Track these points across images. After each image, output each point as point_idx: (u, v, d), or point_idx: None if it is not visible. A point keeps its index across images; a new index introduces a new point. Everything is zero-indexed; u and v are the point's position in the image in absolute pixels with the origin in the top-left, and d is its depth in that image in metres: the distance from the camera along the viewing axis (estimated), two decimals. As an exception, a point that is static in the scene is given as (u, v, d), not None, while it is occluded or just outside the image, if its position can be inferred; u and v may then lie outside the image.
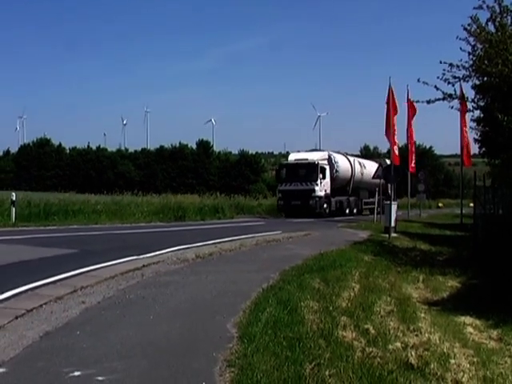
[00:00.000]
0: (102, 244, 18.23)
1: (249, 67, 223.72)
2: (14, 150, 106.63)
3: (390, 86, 30.15)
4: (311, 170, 38.80)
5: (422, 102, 17.32)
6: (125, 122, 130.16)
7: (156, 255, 14.52)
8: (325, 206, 38.97)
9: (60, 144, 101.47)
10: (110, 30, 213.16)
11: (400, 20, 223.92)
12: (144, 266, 12.68)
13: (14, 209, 25.91)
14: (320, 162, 39.04)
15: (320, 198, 38.51)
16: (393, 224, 23.04)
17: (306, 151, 43.07)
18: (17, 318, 7.66)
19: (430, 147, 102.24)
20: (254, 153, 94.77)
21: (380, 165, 45.33)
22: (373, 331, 7.55)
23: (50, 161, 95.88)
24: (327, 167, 39.45)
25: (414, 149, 40.33)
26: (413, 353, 6.75)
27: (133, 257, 13.97)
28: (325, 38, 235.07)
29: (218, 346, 6.54)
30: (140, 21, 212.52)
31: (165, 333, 7.16)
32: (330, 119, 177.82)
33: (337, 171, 40.64)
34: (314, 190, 38.19)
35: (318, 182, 38.40)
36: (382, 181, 43.53)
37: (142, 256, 14.15)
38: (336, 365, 5.97)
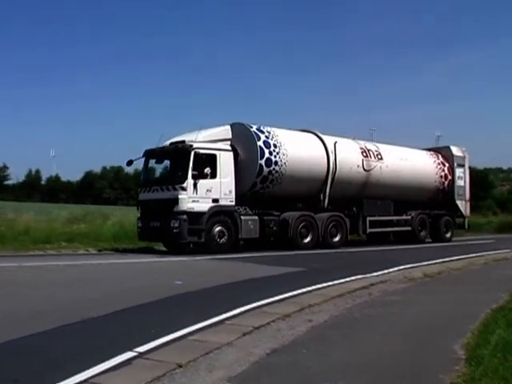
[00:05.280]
0: (328, 262, 18.47)
1: (470, 81, 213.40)
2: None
3: None
4: (179, 163, 21.51)
5: None
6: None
7: (383, 274, 14.38)
8: (216, 230, 20.97)
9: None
10: (328, 50, 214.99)
11: None
12: (371, 284, 12.56)
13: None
14: (201, 145, 21.17)
15: (194, 215, 20.45)
16: None
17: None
18: (244, 334, 7.81)
19: None
20: (481, 169, 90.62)
21: (443, 156, 30.51)
22: None
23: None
24: (221, 154, 21.57)
25: None
26: None
27: (360, 275, 13.87)
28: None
29: (444, 367, 6.18)
30: (359, 38, 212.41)
31: (390, 353, 6.94)
32: None
33: (275, 163, 22.67)
34: (176, 201, 20.49)
35: (188, 183, 20.44)
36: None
37: (369, 275, 14.04)
38: None
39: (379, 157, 26.79)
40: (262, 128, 23.16)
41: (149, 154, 22.67)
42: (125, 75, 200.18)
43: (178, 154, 21.36)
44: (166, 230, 20.49)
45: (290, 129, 25.39)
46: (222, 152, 21.59)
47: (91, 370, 5.91)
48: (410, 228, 27.83)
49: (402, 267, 15.64)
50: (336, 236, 24.61)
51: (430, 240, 28.93)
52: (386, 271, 14.84)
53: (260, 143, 22.43)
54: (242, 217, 21.82)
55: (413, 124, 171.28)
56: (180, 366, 6.17)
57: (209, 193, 20.91)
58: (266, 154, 22.44)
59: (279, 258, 19.28)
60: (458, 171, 30.49)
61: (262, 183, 22.66)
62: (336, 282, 12.84)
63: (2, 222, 24.52)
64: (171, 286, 12.32)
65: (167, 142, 22.63)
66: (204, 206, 20.69)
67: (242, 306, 9.67)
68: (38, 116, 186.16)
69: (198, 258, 19.05)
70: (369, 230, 26.31)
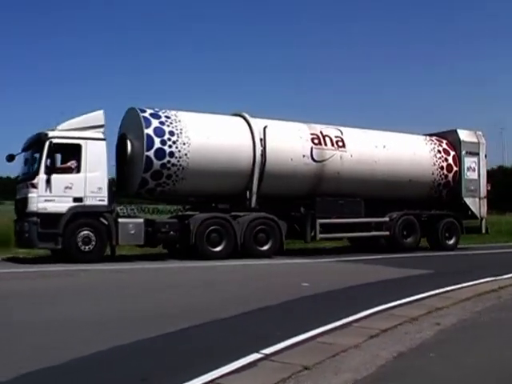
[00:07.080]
0: (455, 264, 18.18)
1: None
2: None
3: None
4: (35, 156, 18.10)
5: None
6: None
7: (512, 277, 13.92)
8: (81, 235, 17.23)
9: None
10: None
11: None
12: (500, 287, 12.16)
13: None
14: (60, 133, 17.78)
15: (48, 217, 17.06)
16: None
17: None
18: (371, 337, 7.79)
19: None
20: None
21: (449, 143, 24.30)
22: None
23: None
24: (88, 144, 17.77)
25: None
26: None
27: (488, 278, 13.48)
28: None
29: None
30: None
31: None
32: None
33: (170, 155, 18.68)
34: (26, 201, 17.35)
35: (40, 179, 17.19)
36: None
37: (498, 277, 13.62)
38: None
39: (340, 144, 21.32)
40: (159, 112, 19.24)
41: (23, 147, 19.09)
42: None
43: (34, 145, 18.12)
44: (21, 234, 17.69)
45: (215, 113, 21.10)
46: (89, 141, 17.81)
47: (217, 370, 6.01)
48: (388, 233, 22.26)
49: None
50: (266, 243, 19.71)
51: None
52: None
53: (149, 131, 18.56)
54: (120, 219, 18.07)
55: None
56: (306, 368, 6.20)
57: (69, 190, 17.39)
58: (157, 144, 18.48)
59: (403, 260, 19.01)
60: (469, 161, 24.23)
61: (154, 179, 18.74)
62: (464, 284, 12.58)
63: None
64: (298, 287, 12.43)
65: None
66: (61, 206, 17.23)
67: (370, 308, 9.65)
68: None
69: (320, 260, 19.17)
70: (320, 236, 21.01)
